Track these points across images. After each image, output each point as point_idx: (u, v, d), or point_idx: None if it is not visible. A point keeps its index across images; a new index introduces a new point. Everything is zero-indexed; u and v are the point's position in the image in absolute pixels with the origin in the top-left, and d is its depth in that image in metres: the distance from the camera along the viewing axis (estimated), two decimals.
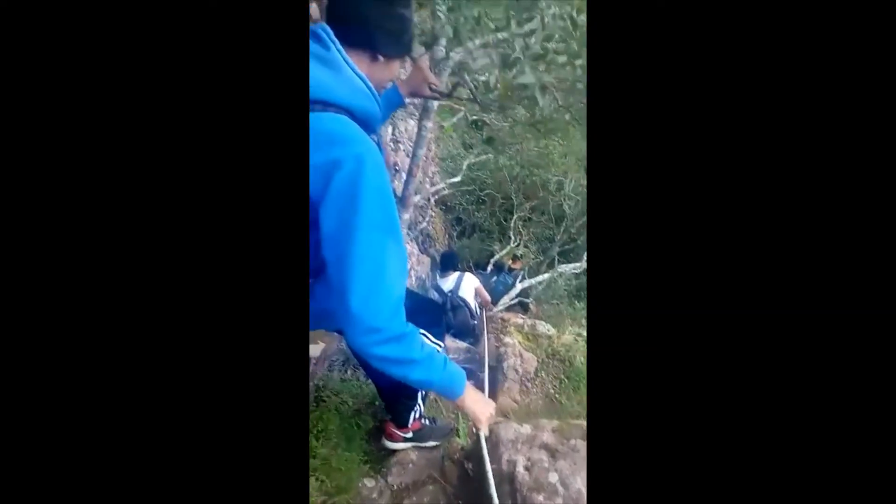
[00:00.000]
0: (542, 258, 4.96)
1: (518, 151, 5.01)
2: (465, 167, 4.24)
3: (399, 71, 0.87)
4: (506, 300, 3.11)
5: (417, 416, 1.38)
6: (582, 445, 1.10)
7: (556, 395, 2.00)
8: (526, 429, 1.23)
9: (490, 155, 4.62)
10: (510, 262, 4.20)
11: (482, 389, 1.89)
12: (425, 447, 1.44)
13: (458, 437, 1.62)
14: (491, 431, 1.32)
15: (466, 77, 1.11)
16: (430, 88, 1.10)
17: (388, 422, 1.40)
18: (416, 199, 1.99)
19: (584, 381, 2.08)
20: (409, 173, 1.73)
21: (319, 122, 0.64)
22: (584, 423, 1.19)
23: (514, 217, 4.99)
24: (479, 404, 0.87)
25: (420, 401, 1.35)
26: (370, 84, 0.73)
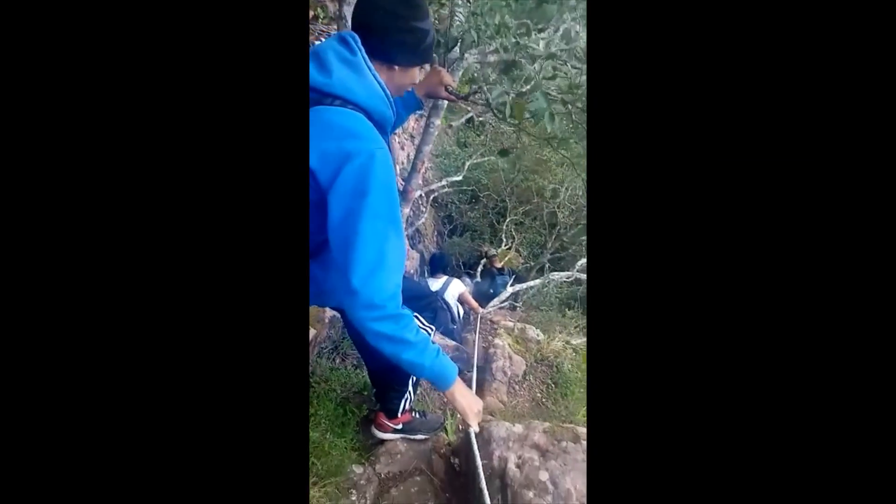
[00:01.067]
0: (532, 263, 5.01)
1: (518, 157, 5.05)
2: (466, 167, 4.27)
3: (417, 77, 0.91)
4: (496, 303, 3.14)
5: (407, 406, 1.40)
6: (573, 447, 1.13)
7: (543, 400, 2.04)
8: (518, 428, 1.26)
9: (493, 157, 4.65)
10: (496, 263, 4.23)
11: (470, 388, 1.92)
12: (414, 440, 1.47)
13: (447, 433, 1.64)
14: (482, 429, 1.35)
15: (484, 87, 1.13)
16: (447, 90, 1.11)
17: (379, 412, 1.42)
18: (417, 194, 2.00)
19: (571, 388, 2.12)
20: (413, 168, 1.74)
21: (339, 116, 0.70)
22: (575, 426, 1.22)
23: (507, 220, 5.03)
24: (468, 399, 0.90)
25: (411, 389, 1.37)
26: (388, 90, 0.77)
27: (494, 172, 5.32)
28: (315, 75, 0.71)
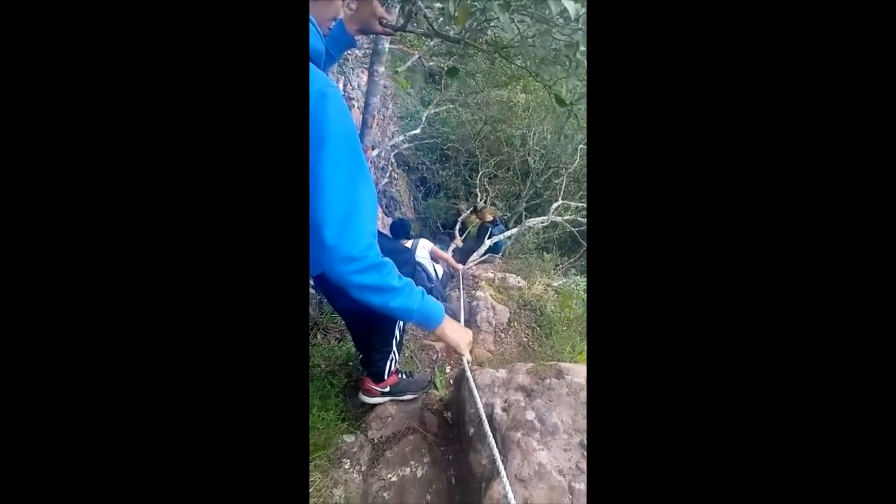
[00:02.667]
0: (509, 214, 4.98)
1: (479, 105, 4.89)
2: (425, 118, 4.12)
3: (340, 8, 0.82)
4: (475, 257, 3.12)
5: (393, 368, 1.38)
6: (556, 383, 1.13)
7: (530, 343, 2.05)
8: (502, 373, 1.24)
9: (451, 106, 4.48)
10: (487, 216, 4.16)
11: None
12: (402, 401, 1.46)
13: (436, 388, 1.64)
14: (466, 379, 1.35)
15: (420, 3, 1.03)
16: (381, 23, 1.01)
17: (366, 377, 1.40)
18: (374, 153, 1.89)
19: (555, 328, 2.13)
20: (364, 124, 1.63)
21: None
22: (558, 363, 1.22)
23: (480, 174, 4.94)
24: (458, 332, 0.91)
25: (395, 350, 1.35)
26: (313, 20, 0.70)
27: (462, 127, 5.16)
28: None
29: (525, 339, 2.08)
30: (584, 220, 3.68)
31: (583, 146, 4.25)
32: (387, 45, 1.48)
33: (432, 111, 4.26)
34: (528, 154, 4.74)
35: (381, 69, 1.52)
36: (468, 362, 1.04)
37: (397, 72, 3.69)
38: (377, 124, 2.85)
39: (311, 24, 0.69)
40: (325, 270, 0.69)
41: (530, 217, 3.99)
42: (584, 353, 1.98)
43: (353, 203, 0.66)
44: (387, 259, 0.73)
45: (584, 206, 3.91)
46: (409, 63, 3.53)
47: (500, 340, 2.04)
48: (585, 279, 2.96)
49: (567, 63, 1.11)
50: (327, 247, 0.65)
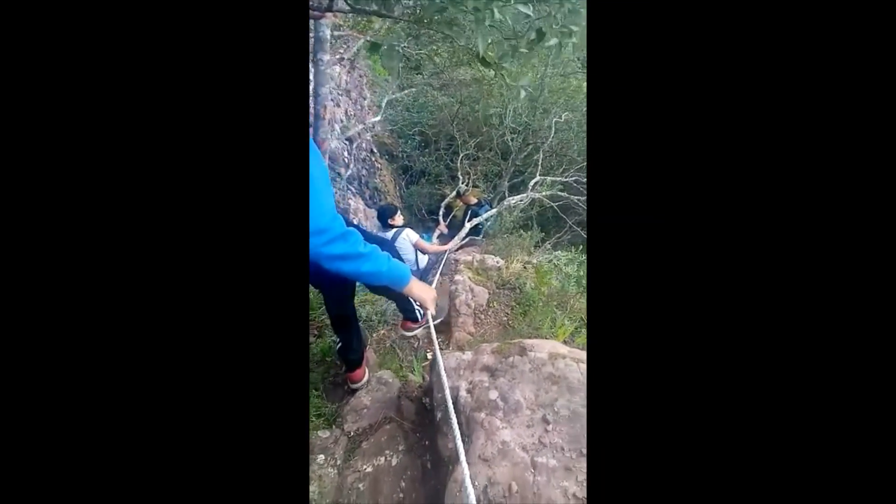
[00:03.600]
0: (492, 195, 4.94)
1: (454, 85, 4.81)
2: (384, 104, 4.07)
3: None
4: (455, 241, 3.10)
5: (423, 313, 1.51)
6: (519, 360, 1.12)
7: (509, 322, 2.05)
8: (467, 355, 1.24)
9: (425, 89, 4.41)
10: (471, 199, 4.11)
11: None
12: (385, 385, 1.53)
13: (414, 374, 1.65)
14: (436, 362, 1.36)
15: None
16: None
17: (404, 321, 1.56)
18: (332, 145, 1.86)
19: (534, 303, 2.14)
20: (317, 116, 1.59)
21: None
22: (521, 340, 1.21)
23: (461, 157, 4.88)
24: (424, 289, 1.05)
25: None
26: None
27: (440, 111, 5.08)
28: None
29: (505, 319, 2.09)
30: (563, 194, 3.66)
31: (557, 119, 4.20)
32: (328, 32, 1.44)
33: (395, 96, 4.19)
34: (507, 132, 4.69)
35: (326, 57, 1.48)
36: (432, 317, 1.15)
37: (343, 59, 3.60)
38: (330, 115, 2.80)
39: None
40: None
41: (513, 196, 3.96)
42: (564, 328, 1.99)
43: (310, 179, 0.69)
44: (351, 228, 0.79)
45: (562, 179, 3.88)
46: (354, 48, 3.43)
47: (480, 322, 2.04)
48: (565, 254, 2.95)
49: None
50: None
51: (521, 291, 2.21)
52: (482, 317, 2.08)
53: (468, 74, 4.96)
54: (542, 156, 3.94)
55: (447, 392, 0.91)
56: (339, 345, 1.48)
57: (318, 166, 0.76)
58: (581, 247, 3.11)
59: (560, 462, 0.88)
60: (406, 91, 4.57)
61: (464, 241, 3.22)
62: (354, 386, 1.50)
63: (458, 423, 1.04)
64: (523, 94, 1.83)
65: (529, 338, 1.93)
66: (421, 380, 1.63)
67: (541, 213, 3.99)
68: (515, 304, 2.14)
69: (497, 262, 2.42)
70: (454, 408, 1.04)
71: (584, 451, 0.91)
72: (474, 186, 4.89)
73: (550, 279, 2.33)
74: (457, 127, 5.07)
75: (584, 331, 2.18)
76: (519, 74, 4.46)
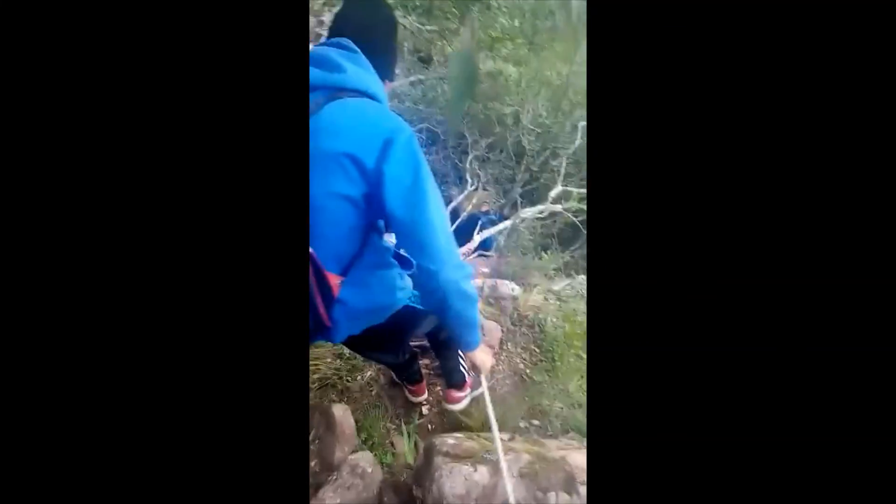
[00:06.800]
0: (503, 201, 4.55)
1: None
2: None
3: None
4: (463, 250, 2.70)
5: (468, 372, 1.40)
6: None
7: (528, 372, 1.67)
8: (480, 476, 0.85)
9: (429, 82, 4.03)
10: (483, 209, 3.75)
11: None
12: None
13: (406, 457, 1.26)
14: (415, 463, 1.00)
15: None
16: None
17: (448, 389, 1.41)
18: None
19: (558, 349, 1.74)
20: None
21: (366, 104, 0.73)
22: (566, 456, 0.83)
23: (470, 157, 4.48)
24: (488, 354, 0.97)
25: (461, 355, 1.35)
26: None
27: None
28: (330, 72, 0.72)
29: (522, 366, 1.70)
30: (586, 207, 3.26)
31: (583, 123, 3.81)
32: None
33: (401, 87, 3.80)
34: (523, 134, 4.30)
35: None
36: (486, 386, 1.00)
37: None
38: None
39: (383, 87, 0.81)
40: (440, 277, 0.71)
41: (526, 204, 3.56)
42: None
43: (446, 221, 0.74)
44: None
45: (586, 191, 3.48)
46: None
47: (492, 370, 1.65)
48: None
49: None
50: (443, 252, 0.71)
51: (541, 330, 1.82)
52: (494, 362, 1.69)
53: (482, 67, 4.61)
54: (564, 162, 3.53)
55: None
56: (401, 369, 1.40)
57: (434, 190, 0.73)
58: None
59: None
60: (412, 80, 4.19)
61: (472, 255, 2.83)
62: (417, 399, 1.48)
63: None
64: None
65: (554, 400, 1.54)
66: (412, 457, 1.24)
67: (561, 230, 3.59)
68: (535, 348, 1.76)
69: (512, 290, 2.02)
70: None
71: None
72: (484, 190, 4.50)
73: (577, 314, 1.94)
74: (467, 125, 4.67)
75: None
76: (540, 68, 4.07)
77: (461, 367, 1.37)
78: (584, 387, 1.57)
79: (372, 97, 0.75)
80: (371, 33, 0.78)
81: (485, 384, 1.00)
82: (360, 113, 0.71)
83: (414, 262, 0.74)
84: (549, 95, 4.17)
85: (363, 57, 0.76)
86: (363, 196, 0.70)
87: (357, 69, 0.74)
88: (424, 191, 0.70)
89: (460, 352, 1.35)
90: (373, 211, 0.73)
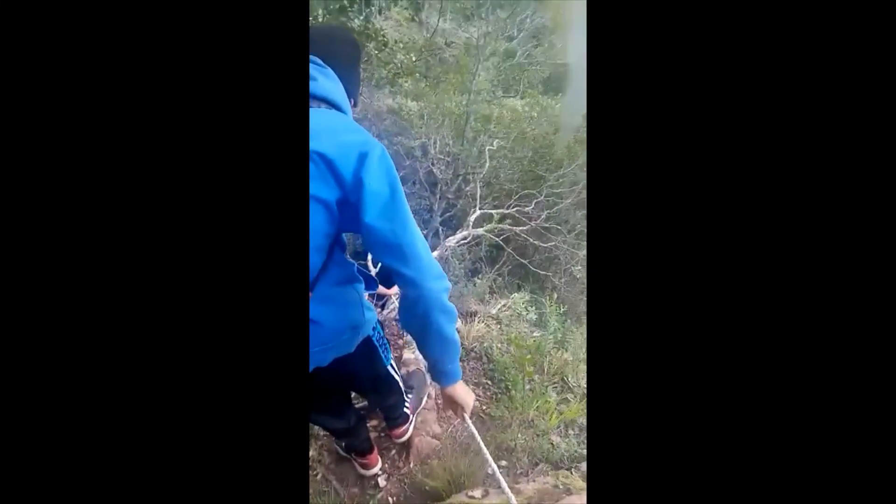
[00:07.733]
0: (425, 231, 4.54)
1: (370, 119, 4.43)
2: None
3: None
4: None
5: (409, 402, 1.37)
6: None
7: (484, 409, 1.58)
8: None
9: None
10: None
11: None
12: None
13: None
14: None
15: None
16: None
17: (391, 429, 1.36)
18: None
19: (510, 377, 1.69)
20: None
21: (338, 116, 0.74)
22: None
23: None
24: (468, 392, 0.92)
25: (405, 392, 1.32)
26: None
27: None
28: None
29: (478, 404, 1.60)
30: (508, 227, 3.34)
31: (490, 147, 3.96)
32: None
33: None
34: (433, 164, 4.36)
35: None
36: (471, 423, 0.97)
37: None
38: None
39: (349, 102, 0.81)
40: (422, 288, 0.71)
41: (448, 233, 3.56)
42: (549, 404, 1.56)
43: (423, 238, 0.73)
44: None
45: (504, 211, 3.58)
46: None
47: (446, 416, 1.53)
48: (520, 295, 2.58)
49: None
50: (423, 262, 0.70)
51: (489, 360, 1.76)
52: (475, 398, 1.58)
53: (383, 104, 4.64)
54: (478, 185, 3.60)
55: None
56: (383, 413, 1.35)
57: (407, 204, 0.73)
58: (533, 285, 2.76)
59: None
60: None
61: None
62: (371, 472, 1.34)
63: None
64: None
65: (517, 434, 1.46)
66: None
67: (489, 253, 3.62)
68: (487, 381, 1.68)
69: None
70: None
71: None
72: None
73: (522, 335, 1.91)
74: None
75: (570, 397, 1.78)
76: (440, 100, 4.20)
77: (405, 399, 1.33)
78: (549, 417, 1.51)
79: (340, 110, 0.76)
80: (336, 58, 0.79)
81: (468, 421, 0.95)
82: (334, 121, 0.71)
83: (393, 272, 0.71)
84: (452, 125, 4.31)
85: (333, 73, 0.77)
86: (336, 201, 0.69)
87: (327, 81, 0.75)
88: (402, 203, 0.71)
89: (410, 393, 1.36)
90: (345, 220, 0.71)
